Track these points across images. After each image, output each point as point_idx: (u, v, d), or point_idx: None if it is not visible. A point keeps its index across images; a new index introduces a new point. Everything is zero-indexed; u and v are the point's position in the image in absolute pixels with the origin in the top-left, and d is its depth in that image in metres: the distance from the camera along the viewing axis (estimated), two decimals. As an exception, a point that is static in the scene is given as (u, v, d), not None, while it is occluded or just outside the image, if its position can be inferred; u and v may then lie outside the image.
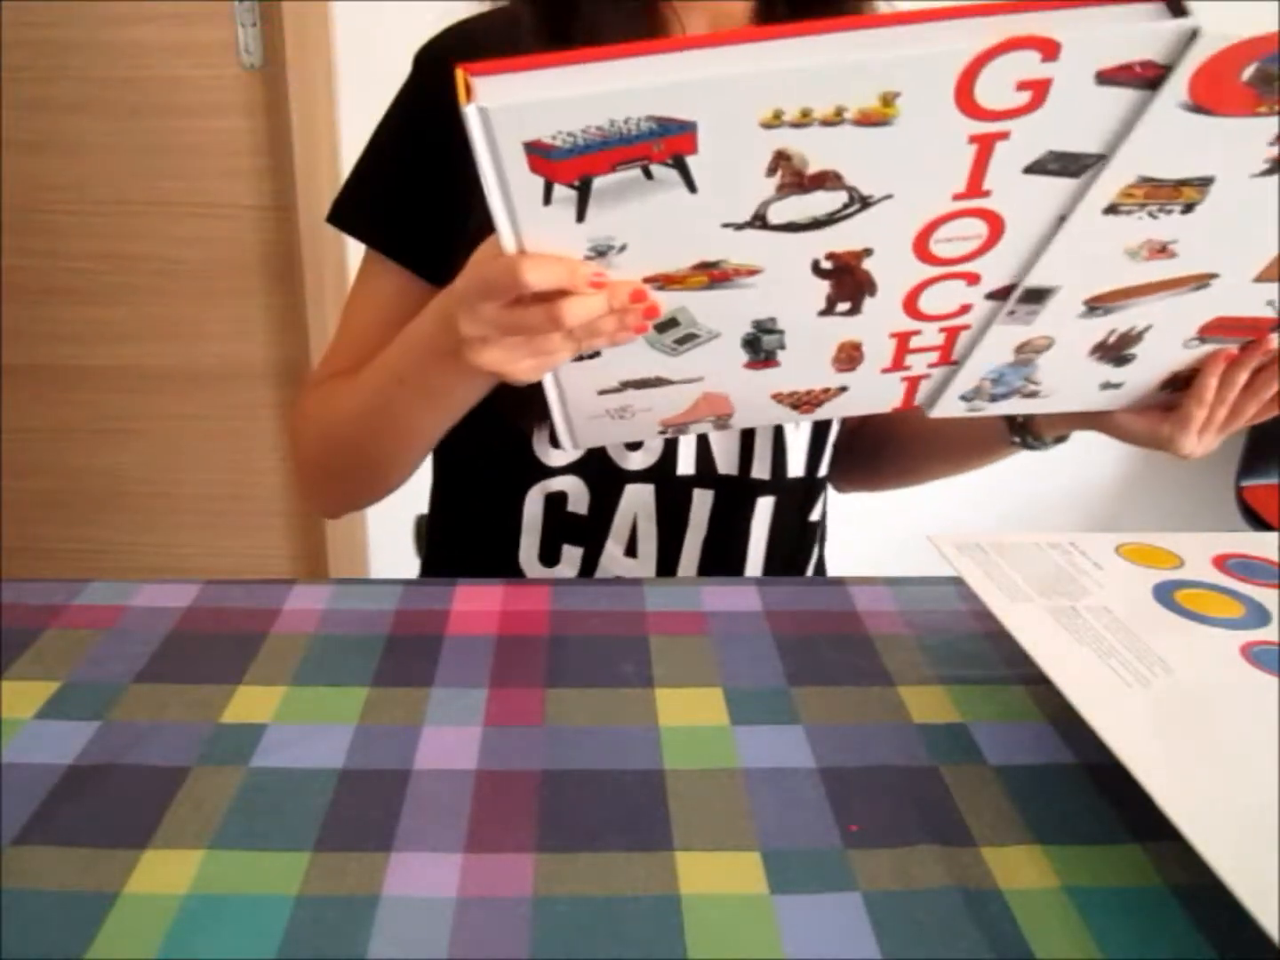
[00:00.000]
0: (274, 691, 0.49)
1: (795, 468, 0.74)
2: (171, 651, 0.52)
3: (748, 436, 0.72)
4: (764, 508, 0.73)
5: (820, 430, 0.74)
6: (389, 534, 1.74)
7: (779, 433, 0.72)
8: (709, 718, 0.47)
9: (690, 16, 0.66)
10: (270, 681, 0.50)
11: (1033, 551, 0.56)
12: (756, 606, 0.57)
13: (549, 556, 0.73)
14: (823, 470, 0.76)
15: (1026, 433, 0.69)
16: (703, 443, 0.71)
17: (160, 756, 0.44)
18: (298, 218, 1.56)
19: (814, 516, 0.78)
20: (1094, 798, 0.43)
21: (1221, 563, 0.56)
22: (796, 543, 0.77)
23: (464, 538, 0.79)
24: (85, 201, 1.62)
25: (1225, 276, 0.49)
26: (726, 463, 0.72)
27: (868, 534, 1.47)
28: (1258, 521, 1.57)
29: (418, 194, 0.68)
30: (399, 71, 0.70)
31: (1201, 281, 0.49)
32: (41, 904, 0.36)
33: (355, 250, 0.72)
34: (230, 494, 1.80)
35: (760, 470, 0.72)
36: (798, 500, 0.76)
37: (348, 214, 0.72)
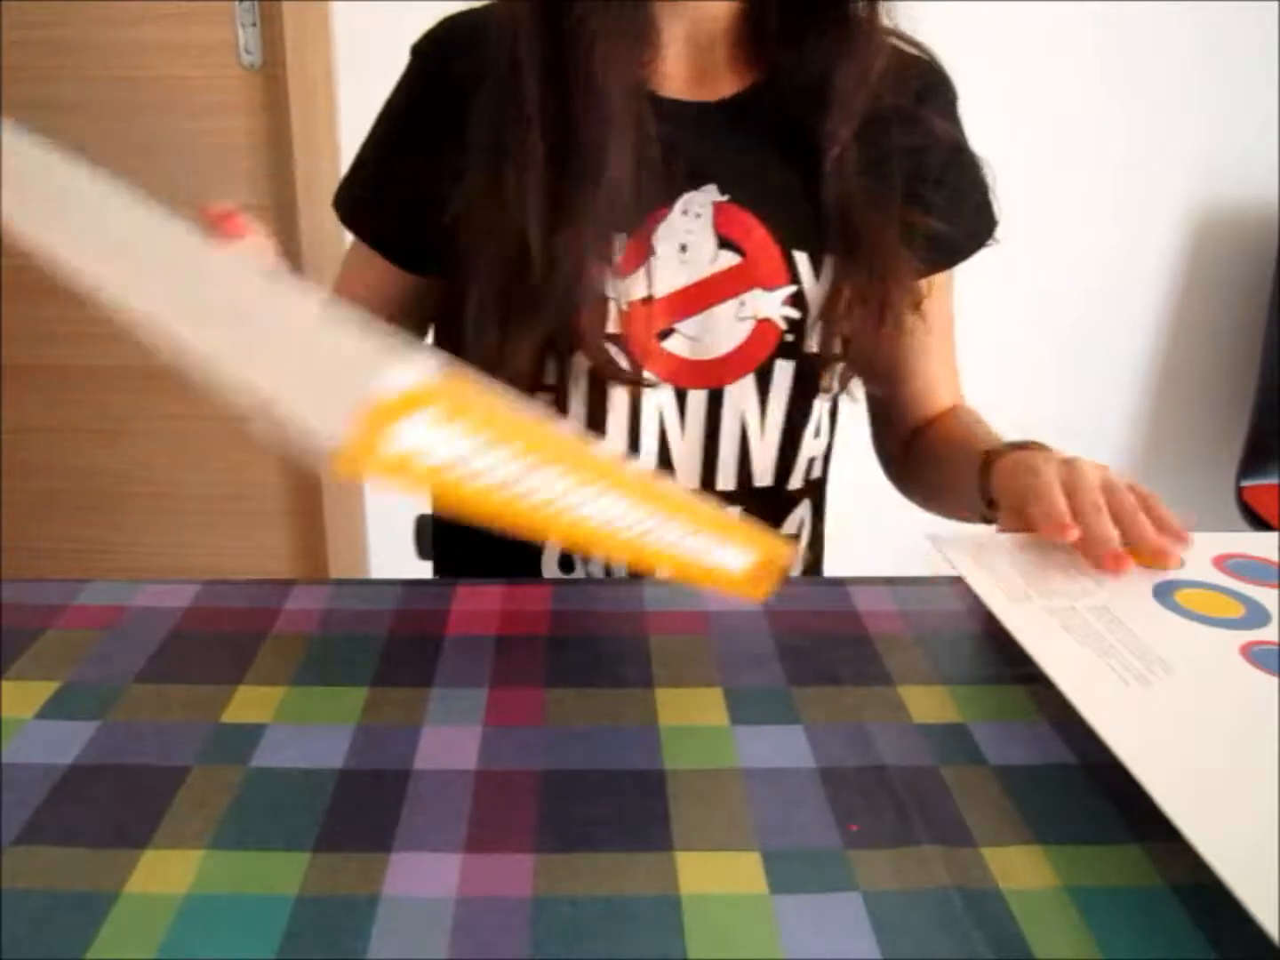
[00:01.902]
0: (274, 691, 0.49)
1: (762, 478, 0.73)
2: (171, 651, 0.52)
3: (710, 448, 0.71)
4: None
5: (790, 441, 0.73)
6: (389, 534, 1.74)
7: (744, 443, 0.71)
8: (709, 718, 0.47)
9: (672, 20, 0.65)
10: (270, 681, 0.50)
11: (1033, 551, 0.56)
12: (756, 606, 0.57)
13: (569, 563, 0.73)
14: (795, 483, 0.75)
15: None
16: (663, 454, 0.71)
17: (160, 756, 0.44)
18: (298, 218, 1.56)
19: (788, 529, 0.77)
20: (1094, 798, 0.43)
21: (1221, 563, 0.56)
22: None
23: (485, 541, 0.78)
24: (85, 201, 1.62)
25: None
26: (688, 474, 0.71)
27: (868, 534, 1.47)
28: (1258, 521, 1.57)
29: (407, 184, 0.69)
30: (399, 70, 0.70)
31: None
32: (41, 904, 0.36)
33: (355, 250, 0.72)
34: (230, 494, 1.80)
35: (725, 482, 0.72)
36: (768, 511, 0.74)
37: (343, 202, 0.75)
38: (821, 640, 0.54)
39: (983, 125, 1.62)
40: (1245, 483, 1.62)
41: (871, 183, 0.67)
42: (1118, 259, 1.67)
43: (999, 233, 0.75)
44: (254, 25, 1.53)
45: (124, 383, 1.73)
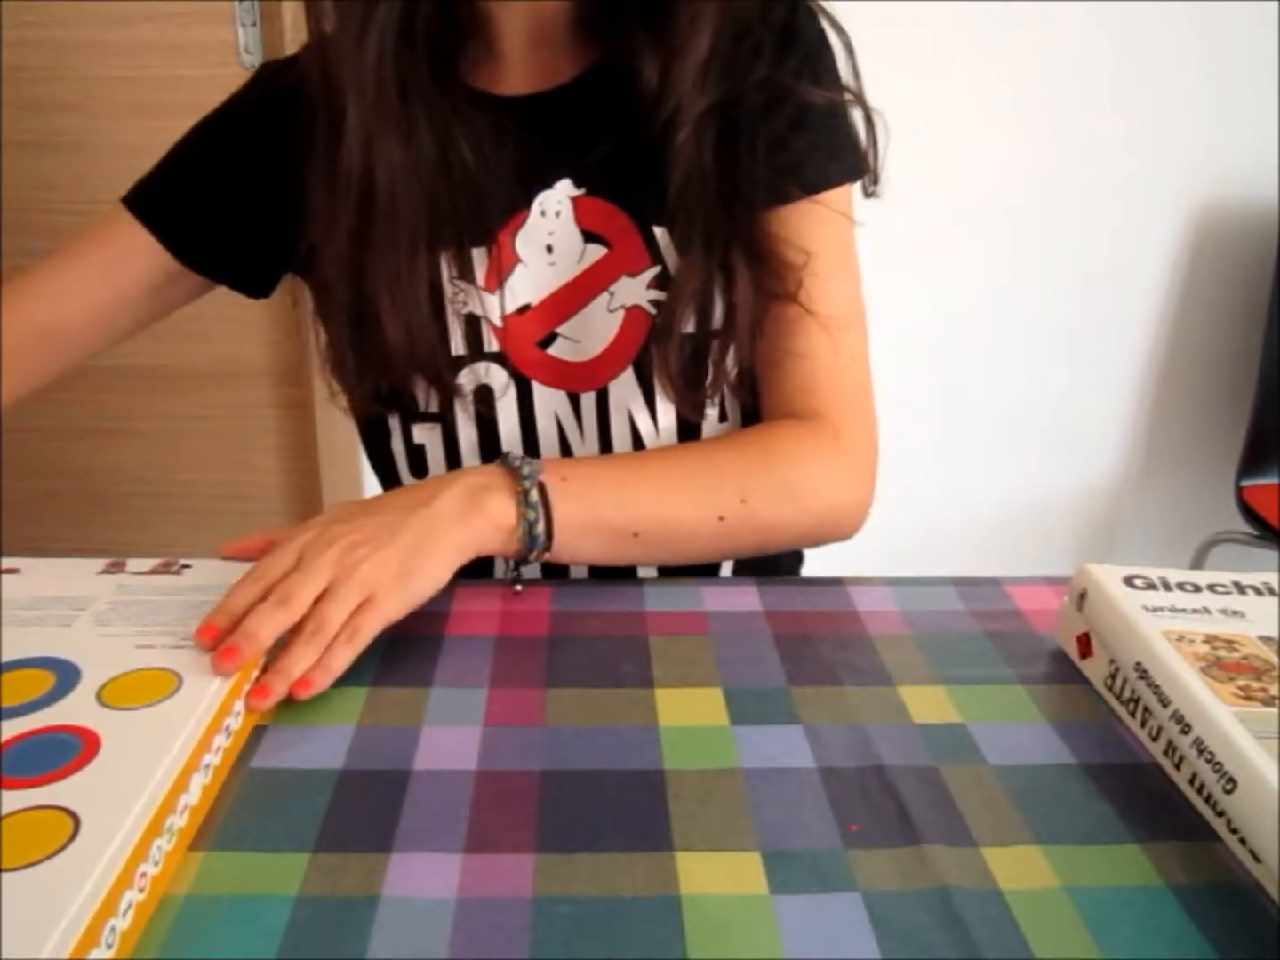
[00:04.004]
0: (274, 691, 0.49)
1: None
2: (171, 651, 0.52)
3: (606, 451, 0.69)
4: None
5: (689, 434, 0.69)
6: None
7: (637, 442, 0.69)
8: (709, 718, 0.47)
9: (508, 15, 0.64)
10: (270, 681, 0.50)
11: None
12: (756, 606, 0.57)
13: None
14: None
15: None
16: (565, 447, 0.69)
17: (160, 756, 0.44)
18: (298, 218, 1.56)
19: None
20: (1094, 798, 0.43)
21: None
22: None
23: None
24: (85, 201, 1.62)
25: None
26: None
27: (866, 534, 1.47)
28: (1258, 521, 1.57)
29: (214, 193, 0.74)
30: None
31: None
32: (41, 904, 0.36)
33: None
34: (230, 494, 1.80)
35: None
36: None
37: (143, 190, 0.79)
38: (821, 640, 0.54)
39: (983, 125, 1.61)
40: (1245, 483, 1.62)
41: (714, 147, 0.63)
42: (1118, 259, 1.67)
43: (874, 188, 0.67)
44: (254, 25, 1.53)
45: (124, 383, 1.73)
